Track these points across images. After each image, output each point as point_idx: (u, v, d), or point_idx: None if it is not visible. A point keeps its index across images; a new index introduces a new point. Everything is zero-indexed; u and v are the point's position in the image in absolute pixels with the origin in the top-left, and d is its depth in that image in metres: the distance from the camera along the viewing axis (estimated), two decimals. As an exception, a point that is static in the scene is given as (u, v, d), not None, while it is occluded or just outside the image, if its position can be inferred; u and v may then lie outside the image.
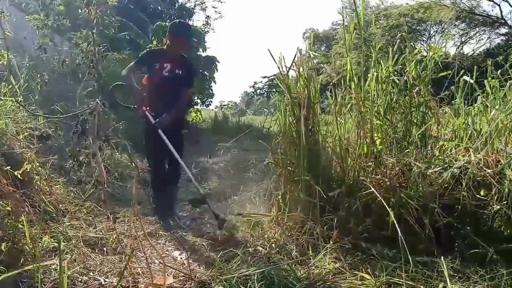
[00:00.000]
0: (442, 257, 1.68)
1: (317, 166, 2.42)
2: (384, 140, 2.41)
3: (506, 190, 1.78)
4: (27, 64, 3.85)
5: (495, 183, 1.84)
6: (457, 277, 1.66)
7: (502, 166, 1.87)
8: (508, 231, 1.74)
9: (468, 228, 1.86)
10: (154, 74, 3.14)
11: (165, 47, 3.29)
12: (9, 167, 2.20)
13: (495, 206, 1.78)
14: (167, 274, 1.89)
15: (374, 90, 2.59)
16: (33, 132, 3.28)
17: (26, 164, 2.31)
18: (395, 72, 2.61)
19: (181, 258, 2.31)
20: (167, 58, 3.15)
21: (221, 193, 3.94)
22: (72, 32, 4.60)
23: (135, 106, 3.34)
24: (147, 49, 3.35)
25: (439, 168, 2.03)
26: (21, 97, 3.38)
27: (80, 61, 4.25)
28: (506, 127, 2.08)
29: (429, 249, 1.88)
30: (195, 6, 22.62)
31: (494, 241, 1.78)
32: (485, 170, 1.89)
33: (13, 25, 4.02)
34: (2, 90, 3.09)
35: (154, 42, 9.94)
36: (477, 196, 1.87)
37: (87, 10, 4.07)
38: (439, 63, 2.54)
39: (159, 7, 16.00)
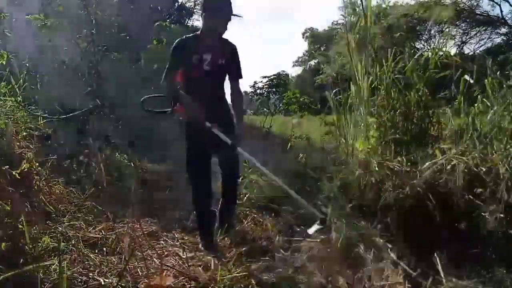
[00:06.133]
0: (438, 256, 1.69)
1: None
2: (382, 140, 2.41)
3: (500, 190, 1.78)
4: (27, 64, 3.85)
5: (492, 183, 1.85)
6: (454, 276, 1.67)
7: (496, 163, 1.88)
8: (503, 230, 1.75)
9: (465, 227, 1.87)
10: (192, 70, 2.48)
11: (199, 33, 2.56)
12: (8, 166, 2.20)
13: (491, 206, 1.79)
14: (167, 274, 1.89)
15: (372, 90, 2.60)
16: (33, 132, 3.28)
17: (25, 164, 2.30)
18: (395, 72, 2.61)
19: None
20: (206, 47, 2.47)
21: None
22: (72, 32, 4.60)
23: (173, 109, 2.62)
24: (174, 45, 2.51)
25: (429, 164, 2.03)
26: (20, 97, 3.39)
27: (80, 62, 4.23)
28: (506, 128, 2.08)
29: (428, 248, 1.88)
30: (195, 6, 22.63)
31: (491, 241, 1.79)
32: (483, 170, 1.90)
33: (13, 25, 4.03)
34: (2, 90, 3.09)
35: (155, 42, 9.94)
36: (475, 196, 1.88)
37: (86, 11, 4.07)
38: (439, 63, 2.54)
39: (159, 7, 16.00)
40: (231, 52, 2.56)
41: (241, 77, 2.65)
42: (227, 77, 2.63)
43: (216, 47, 2.49)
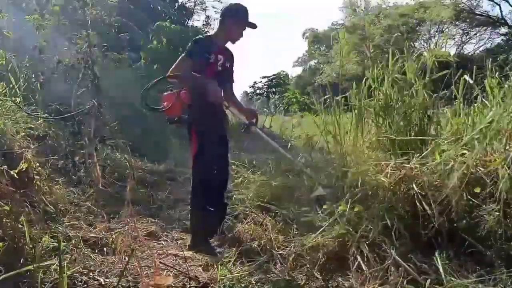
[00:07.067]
0: (437, 254, 1.71)
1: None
2: (382, 141, 2.41)
3: (499, 190, 1.79)
4: (27, 64, 3.85)
5: (490, 183, 1.86)
6: (454, 275, 1.67)
7: (495, 164, 1.88)
8: (501, 230, 1.75)
9: (464, 227, 1.87)
10: (207, 68, 2.57)
11: (215, 35, 2.75)
12: (6, 166, 2.19)
13: (489, 206, 1.80)
14: (167, 274, 1.90)
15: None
16: (33, 132, 3.29)
17: (23, 163, 2.30)
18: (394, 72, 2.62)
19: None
20: (219, 49, 2.66)
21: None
22: (71, 32, 4.60)
23: (165, 109, 2.62)
24: (197, 39, 2.66)
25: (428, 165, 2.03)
26: (20, 97, 3.39)
27: (75, 62, 4.22)
28: (506, 128, 2.08)
29: (428, 249, 1.89)
30: (195, 6, 22.68)
31: (490, 241, 1.80)
32: (481, 170, 1.90)
33: (13, 25, 4.03)
34: (1, 90, 3.09)
35: (155, 42, 9.96)
36: (473, 196, 1.89)
37: (82, 11, 4.07)
38: (438, 62, 2.54)
39: (159, 7, 16.01)
40: (233, 59, 2.80)
41: (233, 81, 2.87)
42: None
43: (225, 52, 2.73)
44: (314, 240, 2.05)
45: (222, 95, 2.72)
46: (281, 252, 2.18)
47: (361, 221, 2.02)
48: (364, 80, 2.84)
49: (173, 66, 2.59)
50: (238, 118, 2.72)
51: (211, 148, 2.53)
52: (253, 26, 2.67)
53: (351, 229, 1.98)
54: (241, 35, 2.69)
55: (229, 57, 2.75)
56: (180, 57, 2.61)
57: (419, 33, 24.71)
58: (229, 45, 2.72)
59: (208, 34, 2.89)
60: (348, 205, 2.04)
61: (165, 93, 2.65)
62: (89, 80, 4.08)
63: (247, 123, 2.67)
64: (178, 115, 2.61)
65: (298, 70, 42.11)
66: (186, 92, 2.58)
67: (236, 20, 2.63)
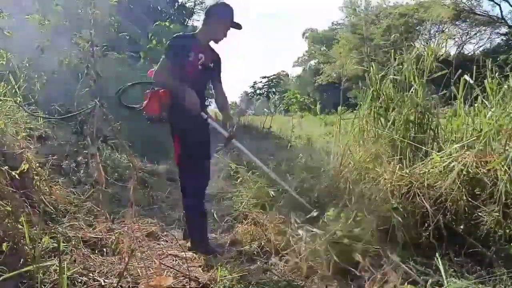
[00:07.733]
0: (438, 255, 1.70)
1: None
2: (382, 141, 2.41)
3: (499, 191, 1.79)
4: (27, 64, 3.85)
5: (490, 184, 1.86)
6: (455, 275, 1.67)
7: (494, 163, 1.88)
8: (501, 231, 1.75)
9: (465, 228, 1.87)
10: (187, 66, 2.53)
11: (197, 33, 2.66)
12: (7, 167, 2.19)
13: (490, 207, 1.80)
14: (167, 275, 1.90)
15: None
16: (33, 132, 3.29)
17: (24, 164, 2.30)
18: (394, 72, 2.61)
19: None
20: (200, 48, 2.58)
21: (220, 193, 3.94)
22: (72, 32, 4.60)
23: (143, 107, 2.62)
24: (175, 36, 2.60)
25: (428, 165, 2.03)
26: (20, 97, 3.39)
27: (77, 62, 4.21)
28: (506, 128, 2.08)
29: (429, 250, 1.88)
30: (195, 6, 22.68)
31: (491, 241, 1.80)
32: (481, 171, 1.90)
33: (14, 24, 4.03)
34: (2, 90, 3.09)
35: (154, 42, 9.96)
36: (473, 197, 1.89)
37: (84, 11, 4.06)
38: (438, 62, 2.54)
39: (159, 7, 16.03)
40: (218, 59, 2.73)
41: (220, 82, 2.80)
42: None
43: (208, 51, 2.65)
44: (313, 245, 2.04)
45: (213, 92, 2.73)
46: (281, 253, 2.17)
47: (361, 222, 2.02)
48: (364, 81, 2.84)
49: (156, 68, 2.55)
50: (218, 130, 2.61)
51: (195, 149, 2.51)
52: (238, 26, 2.59)
53: (351, 231, 1.98)
54: (225, 35, 2.61)
55: (213, 56, 2.67)
56: (161, 58, 2.55)
57: (419, 33, 24.72)
58: (213, 44, 2.65)
59: (193, 32, 2.76)
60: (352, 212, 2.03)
61: (146, 91, 2.60)
62: (91, 80, 4.07)
63: (227, 137, 2.61)
64: (156, 114, 2.56)
65: (298, 70, 42.15)
66: (165, 91, 2.52)
67: (220, 20, 2.55)
